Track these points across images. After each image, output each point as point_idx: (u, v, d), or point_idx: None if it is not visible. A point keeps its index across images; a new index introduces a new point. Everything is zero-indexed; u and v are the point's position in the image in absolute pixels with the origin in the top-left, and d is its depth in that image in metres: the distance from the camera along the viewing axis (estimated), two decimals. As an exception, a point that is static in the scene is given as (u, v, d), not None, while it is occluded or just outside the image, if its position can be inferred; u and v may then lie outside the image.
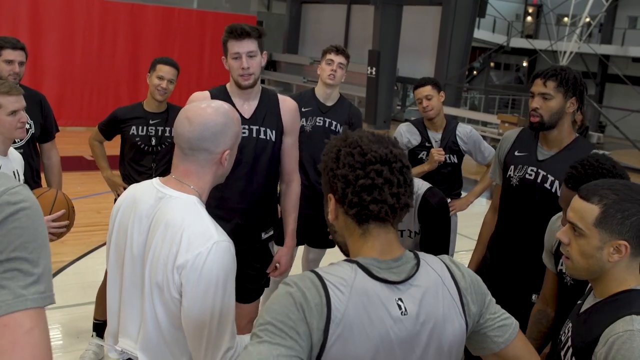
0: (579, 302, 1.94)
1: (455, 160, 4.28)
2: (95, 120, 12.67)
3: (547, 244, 2.64)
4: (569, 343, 1.80)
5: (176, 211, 1.85)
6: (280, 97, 3.22)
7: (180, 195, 1.89)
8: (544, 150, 3.07)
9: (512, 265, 3.14)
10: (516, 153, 3.16)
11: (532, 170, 3.06)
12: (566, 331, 1.88)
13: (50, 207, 2.92)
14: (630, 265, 1.73)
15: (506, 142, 3.26)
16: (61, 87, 12.45)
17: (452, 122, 4.33)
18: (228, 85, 3.14)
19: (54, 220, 2.90)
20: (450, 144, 4.23)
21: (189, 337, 1.84)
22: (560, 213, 2.58)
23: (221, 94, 3.04)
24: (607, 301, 1.74)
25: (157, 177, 1.99)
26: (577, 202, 1.77)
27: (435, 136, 4.26)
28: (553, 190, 2.98)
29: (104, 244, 6.00)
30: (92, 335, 4.04)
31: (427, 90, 4.16)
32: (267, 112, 3.11)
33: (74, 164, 8.61)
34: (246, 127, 3.02)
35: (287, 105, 3.19)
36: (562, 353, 1.83)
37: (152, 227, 1.87)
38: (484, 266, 3.36)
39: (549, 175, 3.00)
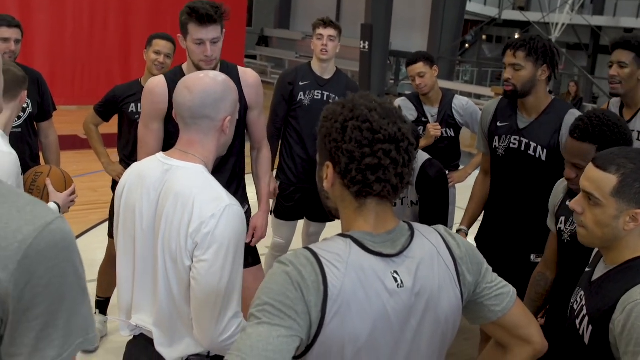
0: (587, 269, 1.95)
1: (452, 134, 4.26)
2: (87, 98, 12.63)
3: (551, 205, 2.70)
4: (584, 312, 1.80)
5: (184, 180, 1.86)
6: (241, 70, 3.13)
7: (186, 165, 1.90)
8: (524, 118, 3.15)
9: (508, 229, 3.22)
10: (498, 123, 3.24)
11: (515, 139, 3.14)
12: (578, 299, 1.88)
13: (64, 182, 2.94)
14: None
15: (487, 113, 3.34)
16: (52, 65, 12.31)
17: (448, 95, 4.30)
18: (185, 67, 3.07)
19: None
20: (447, 118, 4.22)
21: (196, 303, 1.83)
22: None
23: (178, 76, 2.79)
24: (620, 269, 1.74)
25: (161, 152, 1.99)
26: (592, 171, 1.76)
27: (431, 111, 4.25)
28: (537, 156, 3.08)
29: (101, 222, 6.07)
30: (95, 313, 4.04)
31: (419, 67, 4.12)
32: None
33: (68, 142, 8.51)
34: None
35: (248, 79, 3.10)
36: (578, 322, 1.83)
37: (161, 199, 1.87)
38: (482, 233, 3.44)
39: (531, 143, 3.09)
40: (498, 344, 1.66)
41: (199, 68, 2.89)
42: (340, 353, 1.36)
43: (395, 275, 1.40)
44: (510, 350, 1.62)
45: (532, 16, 20.72)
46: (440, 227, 1.57)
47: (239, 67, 3.13)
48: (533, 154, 3.08)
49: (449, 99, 4.26)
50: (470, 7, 20.50)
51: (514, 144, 3.15)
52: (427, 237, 1.50)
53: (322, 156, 1.48)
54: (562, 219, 2.56)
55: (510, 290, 1.60)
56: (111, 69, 13.07)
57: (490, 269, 1.60)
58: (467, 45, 22.57)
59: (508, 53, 3.07)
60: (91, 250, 5.57)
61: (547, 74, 3.07)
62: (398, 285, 1.40)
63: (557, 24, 19.03)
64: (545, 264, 2.74)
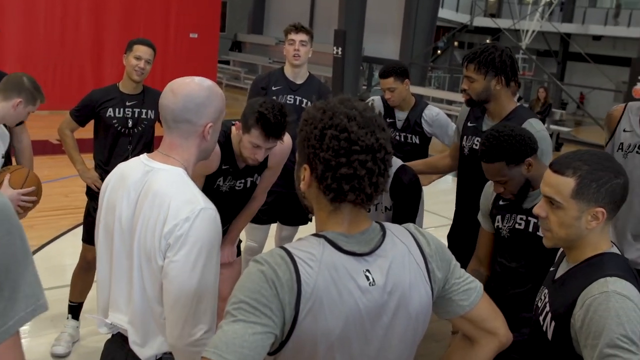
0: (551, 268, 2.02)
1: (417, 141, 4.22)
2: (59, 102, 12.49)
3: (483, 206, 2.86)
4: (547, 309, 1.87)
5: (163, 181, 1.88)
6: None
7: (166, 167, 1.93)
8: (489, 121, 3.27)
9: (474, 229, 3.28)
10: (469, 124, 3.39)
11: (477, 140, 3.26)
12: (542, 297, 1.95)
13: (23, 181, 2.98)
14: (603, 230, 1.82)
15: (462, 114, 3.49)
16: (23, 68, 12.08)
17: (421, 103, 4.28)
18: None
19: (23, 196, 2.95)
20: (414, 125, 4.20)
21: (167, 304, 1.85)
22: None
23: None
24: (581, 266, 1.82)
25: (145, 154, 2.02)
26: (551, 176, 1.83)
27: (400, 115, 4.27)
28: None
29: (73, 227, 6.03)
30: (68, 318, 4.04)
31: (390, 82, 4.09)
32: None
33: (40, 147, 8.44)
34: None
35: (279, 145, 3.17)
36: (541, 319, 1.90)
37: (140, 199, 1.90)
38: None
39: None
40: (465, 337, 1.71)
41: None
42: (313, 349, 1.40)
43: (368, 274, 1.44)
44: (476, 342, 1.67)
45: (503, 23, 20.99)
46: (411, 226, 1.62)
47: None
48: None
49: (420, 107, 4.23)
50: (442, 13, 20.72)
51: (476, 145, 3.26)
52: (398, 236, 1.54)
53: (301, 157, 1.51)
54: (499, 217, 2.72)
55: (477, 285, 1.65)
56: (83, 73, 12.96)
57: (459, 264, 1.65)
58: (439, 51, 22.78)
59: (465, 64, 3.19)
60: (62, 255, 5.56)
61: (502, 84, 3.14)
62: (370, 283, 1.44)
63: (527, 31, 19.33)
64: (479, 262, 2.89)
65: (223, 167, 3.07)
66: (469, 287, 1.62)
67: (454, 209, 3.61)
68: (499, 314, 1.68)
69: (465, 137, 3.36)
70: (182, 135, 1.95)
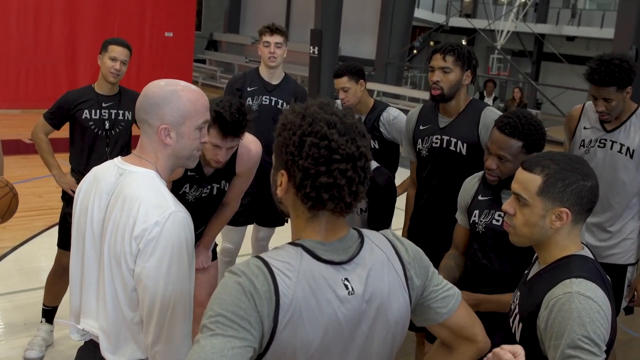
0: (525, 271, 2.04)
1: (377, 146, 3.92)
2: (31, 101, 12.34)
3: (461, 202, 2.86)
4: (517, 310, 1.89)
5: (134, 184, 1.86)
6: (247, 141, 3.15)
7: (139, 170, 1.90)
8: (444, 119, 3.31)
9: (434, 226, 3.35)
10: (421, 127, 3.40)
11: (436, 138, 3.29)
12: (515, 300, 1.96)
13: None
14: (571, 232, 1.83)
15: (410, 121, 3.50)
16: (-5, 67, 12.03)
17: (379, 106, 4.03)
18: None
19: None
20: (371, 129, 3.93)
21: (143, 315, 1.83)
22: (475, 174, 2.85)
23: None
24: (549, 268, 1.84)
25: (119, 156, 1.99)
26: (520, 173, 1.86)
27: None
28: (458, 151, 3.24)
29: (46, 229, 5.95)
30: (41, 321, 3.98)
31: (344, 82, 3.87)
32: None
33: (12, 147, 8.36)
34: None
35: (246, 152, 3.17)
36: (511, 320, 1.92)
37: (111, 202, 1.88)
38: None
39: (452, 138, 3.25)
40: (443, 344, 1.70)
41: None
42: None
43: (346, 283, 1.42)
44: (455, 349, 1.66)
45: (478, 23, 21.12)
46: (388, 232, 1.60)
47: (247, 136, 3.09)
48: (454, 149, 3.23)
49: (379, 110, 3.96)
50: (418, 13, 20.80)
51: (436, 142, 3.29)
52: (377, 243, 1.52)
53: (278, 162, 1.46)
54: (476, 212, 2.73)
55: (456, 292, 1.64)
56: (57, 72, 12.78)
57: (437, 272, 1.64)
58: (415, 51, 22.84)
59: (437, 57, 3.19)
60: (36, 257, 5.49)
61: (470, 79, 3.24)
62: (349, 292, 1.41)
63: (502, 31, 19.49)
64: (456, 248, 2.91)
65: (189, 173, 2.98)
66: (447, 295, 1.61)
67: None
68: (477, 320, 1.67)
69: (420, 140, 3.37)
70: (145, 135, 1.93)
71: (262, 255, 1.42)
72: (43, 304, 4.00)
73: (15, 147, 8.73)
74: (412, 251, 1.58)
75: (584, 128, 3.45)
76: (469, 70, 3.21)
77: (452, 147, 3.24)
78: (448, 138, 3.25)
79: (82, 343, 2.07)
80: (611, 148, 3.32)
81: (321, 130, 1.37)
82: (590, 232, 3.43)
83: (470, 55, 3.21)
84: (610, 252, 3.41)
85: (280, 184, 1.45)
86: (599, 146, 3.35)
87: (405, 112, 3.98)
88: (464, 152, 3.21)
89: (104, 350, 1.92)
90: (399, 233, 1.65)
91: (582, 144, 3.43)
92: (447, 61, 3.17)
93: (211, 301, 1.35)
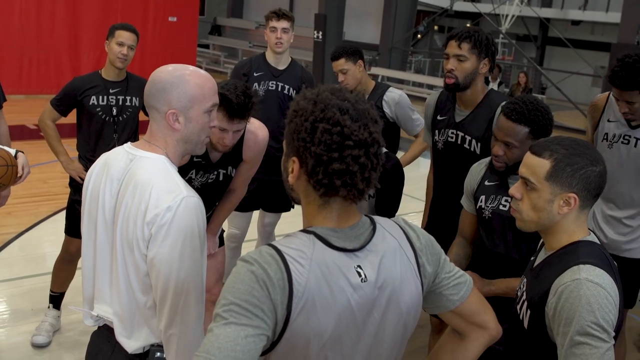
0: (532, 258, 2.03)
1: None
2: (35, 87, 12.33)
3: (467, 186, 2.83)
4: (524, 297, 1.88)
5: (145, 169, 1.85)
6: (253, 126, 3.14)
7: (149, 155, 1.89)
8: (461, 111, 3.21)
9: (450, 222, 3.27)
10: (438, 117, 3.31)
11: (452, 133, 3.21)
12: (521, 286, 1.96)
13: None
14: (578, 218, 1.82)
15: (429, 108, 3.40)
16: (-1, 54, 12.01)
17: (381, 86, 4.03)
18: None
19: None
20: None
21: (157, 300, 1.83)
22: (482, 160, 2.82)
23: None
24: (556, 254, 1.83)
25: (129, 142, 1.98)
26: (529, 157, 1.85)
27: None
28: (472, 149, 3.15)
29: (52, 214, 5.96)
30: (49, 307, 3.99)
31: (341, 64, 3.84)
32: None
33: (16, 132, 8.31)
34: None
35: (252, 138, 3.16)
36: (518, 307, 1.92)
37: (122, 188, 1.87)
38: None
39: (466, 136, 3.16)
40: (454, 331, 1.70)
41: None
42: (305, 348, 1.37)
43: (359, 270, 1.41)
44: (466, 336, 1.66)
45: (483, 7, 20.99)
46: (400, 219, 1.59)
47: (254, 122, 3.11)
48: (468, 147, 3.14)
49: (381, 90, 3.96)
50: (423, -3, 20.71)
51: (452, 137, 3.21)
52: (389, 230, 1.51)
53: (289, 149, 1.44)
54: (483, 197, 2.71)
55: (467, 279, 1.63)
56: (60, 58, 12.76)
57: (448, 259, 1.63)
58: (419, 35, 22.73)
59: (452, 44, 3.06)
60: (41, 243, 5.49)
61: (487, 67, 3.10)
62: (362, 279, 1.41)
63: (507, 16, 19.36)
64: (462, 235, 2.89)
65: (195, 159, 2.96)
66: (459, 282, 1.61)
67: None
68: (489, 307, 1.67)
69: (437, 131, 3.29)
70: (154, 121, 1.92)
71: (275, 243, 1.41)
72: (50, 290, 4.00)
73: (20, 133, 8.72)
74: (424, 238, 1.57)
75: (608, 120, 3.33)
76: (486, 59, 3.06)
77: (466, 145, 3.15)
78: (463, 135, 3.16)
79: (94, 328, 2.07)
80: (635, 145, 3.23)
81: (334, 117, 1.35)
82: (611, 225, 3.38)
83: (488, 42, 3.06)
84: (629, 246, 3.36)
85: (292, 170, 1.44)
86: (622, 142, 3.26)
87: (410, 97, 3.96)
88: (478, 151, 3.11)
89: (119, 334, 1.93)
90: (407, 218, 1.64)
91: (605, 137, 3.32)
92: (462, 49, 3.02)
93: (224, 290, 1.35)
